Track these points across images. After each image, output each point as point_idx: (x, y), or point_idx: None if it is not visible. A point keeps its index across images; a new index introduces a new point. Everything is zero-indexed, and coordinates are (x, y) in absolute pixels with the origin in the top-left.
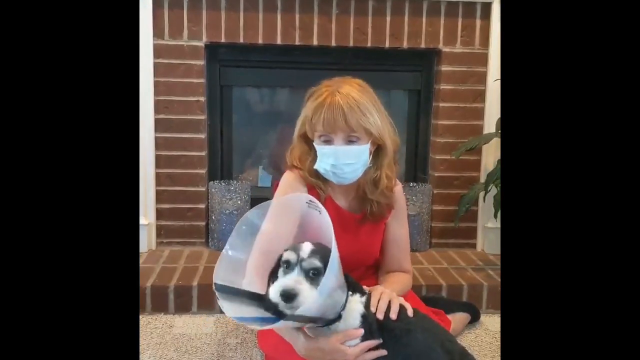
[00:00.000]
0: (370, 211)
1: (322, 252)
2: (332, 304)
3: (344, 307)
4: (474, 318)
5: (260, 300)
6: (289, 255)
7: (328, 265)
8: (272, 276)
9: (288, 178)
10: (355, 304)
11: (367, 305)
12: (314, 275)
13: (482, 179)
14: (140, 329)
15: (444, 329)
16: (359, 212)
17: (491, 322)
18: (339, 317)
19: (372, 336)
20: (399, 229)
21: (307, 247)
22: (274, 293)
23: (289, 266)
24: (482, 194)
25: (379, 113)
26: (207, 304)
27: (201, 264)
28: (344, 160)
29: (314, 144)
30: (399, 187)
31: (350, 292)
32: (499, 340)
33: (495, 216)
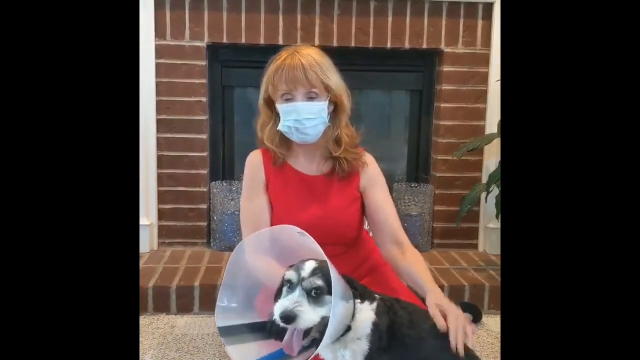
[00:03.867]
0: (340, 167)
1: (325, 270)
2: (342, 322)
3: (352, 317)
4: (476, 318)
5: (263, 330)
6: (290, 275)
7: (332, 294)
8: (277, 295)
9: (249, 158)
10: (366, 313)
11: (377, 312)
12: (316, 295)
13: (484, 180)
14: (142, 329)
15: None
16: (325, 173)
17: (493, 323)
18: (348, 329)
19: (380, 343)
20: (378, 195)
21: (309, 266)
22: (276, 313)
23: (291, 286)
24: (483, 194)
25: (336, 73)
26: (209, 305)
27: (203, 265)
28: (305, 115)
29: (277, 104)
30: (370, 157)
31: (359, 301)
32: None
33: (497, 217)
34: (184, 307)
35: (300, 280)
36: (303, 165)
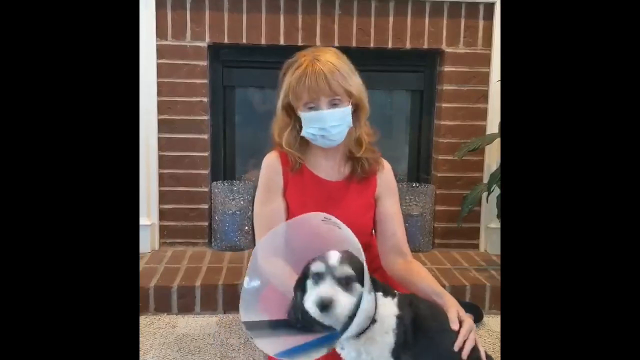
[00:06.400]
0: (361, 168)
1: (350, 259)
2: (368, 313)
3: (375, 310)
4: (477, 319)
5: (286, 325)
6: (318, 267)
7: (364, 285)
8: (298, 288)
9: (267, 160)
10: (390, 307)
11: (400, 306)
12: (346, 283)
13: (485, 180)
14: (143, 329)
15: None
16: (344, 177)
17: (494, 323)
18: (373, 321)
19: (406, 337)
20: (391, 206)
21: (335, 256)
22: (309, 303)
23: (319, 277)
24: (485, 194)
25: (355, 75)
26: (210, 305)
27: (204, 265)
28: (330, 123)
29: (299, 112)
30: (387, 164)
31: (381, 294)
32: None
33: (499, 217)
34: (185, 307)
35: (330, 269)
36: (324, 170)
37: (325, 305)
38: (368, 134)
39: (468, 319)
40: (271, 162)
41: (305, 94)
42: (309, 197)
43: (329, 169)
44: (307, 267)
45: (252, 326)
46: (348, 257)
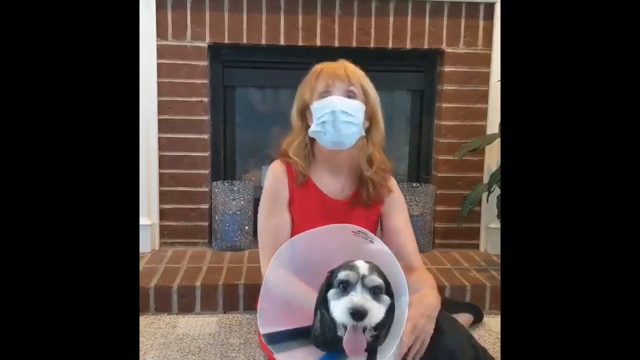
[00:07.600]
0: (367, 192)
1: (377, 269)
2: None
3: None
4: (477, 319)
5: (307, 335)
6: (348, 275)
7: (406, 299)
8: (321, 304)
9: (273, 170)
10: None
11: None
12: (374, 293)
13: (485, 180)
14: (143, 329)
15: (466, 329)
16: (348, 197)
17: (494, 323)
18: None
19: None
20: (400, 219)
21: (363, 265)
22: (340, 312)
23: (347, 286)
24: (485, 194)
25: (373, 88)
26: (210, 305)
27: (204, 264)
28: (341, 107)
29: (312, 107)
30: (394, 181)
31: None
32: None
33: (499, 217)
34: (186, 307)
35: (361, 278)
36: (326, 186)
37: (359, 315)
38: (382, 161)
39: (424, 332)
40: (277, 174)
41: (321, 82)
42: (314, 213)
43: (332, 186)
44: (330, 278)
45: (270, 339)
46: (375, 267)
